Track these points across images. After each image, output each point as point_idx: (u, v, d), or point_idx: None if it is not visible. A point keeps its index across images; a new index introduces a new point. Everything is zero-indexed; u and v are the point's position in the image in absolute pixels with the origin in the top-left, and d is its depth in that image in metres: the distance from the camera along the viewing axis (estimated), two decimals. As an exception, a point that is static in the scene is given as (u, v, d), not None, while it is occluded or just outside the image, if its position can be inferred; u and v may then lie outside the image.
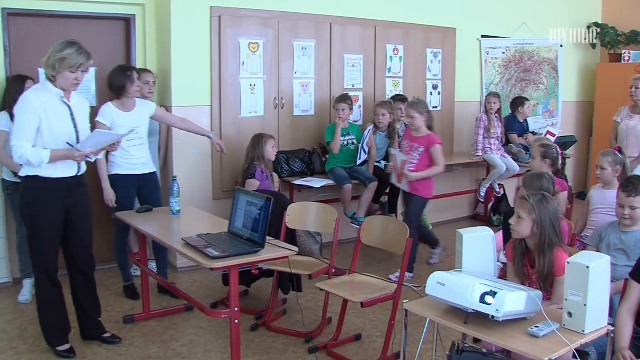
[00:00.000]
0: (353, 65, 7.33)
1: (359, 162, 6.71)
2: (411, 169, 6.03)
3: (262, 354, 4.61)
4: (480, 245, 3.38)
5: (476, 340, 3.52)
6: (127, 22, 6.33)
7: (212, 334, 4.92)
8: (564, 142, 8.67)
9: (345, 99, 6.73)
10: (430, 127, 6.11)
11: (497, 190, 8.30)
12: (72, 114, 4.29)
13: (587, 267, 2.81)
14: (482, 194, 8.35)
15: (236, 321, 3.95)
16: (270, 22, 6.67)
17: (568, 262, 2.92)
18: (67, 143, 4.22)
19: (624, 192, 4.11)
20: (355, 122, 7.20)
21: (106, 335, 4.73)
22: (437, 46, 8.15)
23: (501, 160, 7.97)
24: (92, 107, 5.82)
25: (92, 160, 4.50)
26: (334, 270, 4.98)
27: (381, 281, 4.60)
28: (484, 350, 3.30)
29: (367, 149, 6.73)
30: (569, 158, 8.95)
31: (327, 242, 6.05)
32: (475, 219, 8.61)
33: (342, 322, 4.84)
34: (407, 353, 3.52)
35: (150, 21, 6.38)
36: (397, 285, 4.39)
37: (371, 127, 6.81)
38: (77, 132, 4.31)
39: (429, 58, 8.07)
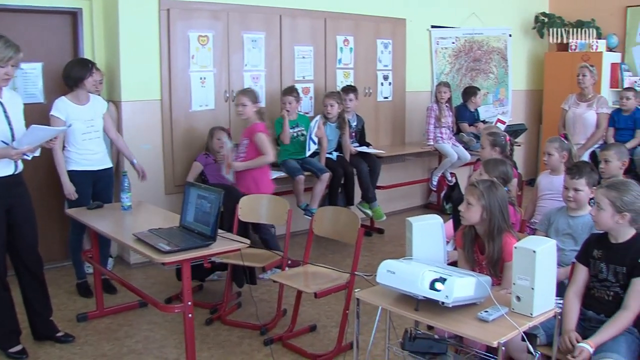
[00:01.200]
0: (303, 57, 7.32)
1: (307, 153, 6.70)
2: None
3: (217, 347, 4.60)
4: (429, 232, 3.41)
5: (430, 327, 3.55)
6: (73, 16, 6.21)
7: (167, 330, 4.89)
8: (514, 130, 8.78)
9: (291, 91, 6.72)
10: (261, 118, 5.89)
11: (449, 178, 8.39)
12: (4, 111, 4.20)
13: (534, 252, 2.86)
14: (434, 183, 8.43)
15: (190, 315, 3.93)
16: (220, 14, 6.63)
17: (515, 247, 2.97)
18: (2, 141, 4.13)
19: (568, 174, 4.20)
20: (306, 113, 7.20)
21: (59, 334, 4.66)
22: (388, 37, 8.18)
23: (452, 149, 8.06)
24: (40, 104, 5.81)
25: (29, 158, 4.35)
26: (289, 262, 5.00)
27: (334, 271, 4.62)
28: (436, 336, 3.34)
29: (315, 140, 6.72)
30: (519, 146, 9.06)
31: (281, 234, 6.05)
32: (428, 208, 8.69)
33: (297, 314, 4.85)
34: (361, 342, 3.55)
35: (98, 15, 6.27)
36: (349, 275, 4.41)
37: (318, 118, 6.81)
38: (11, 129, 4.21)
39: (379, 49, 8.10)
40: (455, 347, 3.50)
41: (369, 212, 7.34)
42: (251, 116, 5.80)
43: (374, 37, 8.03)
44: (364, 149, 7.38)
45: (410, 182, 8.52)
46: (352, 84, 7.61)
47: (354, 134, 7.43)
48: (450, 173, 8.37)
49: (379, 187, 7.60)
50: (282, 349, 4.59)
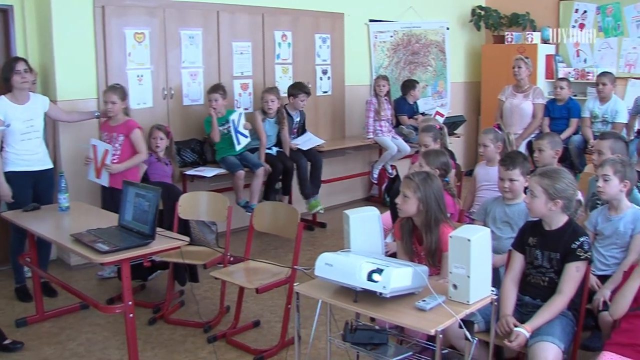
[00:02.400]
0: (241, 53, 7.29)
1: (237, 147, 6.64)
2: (115, 160, 5.59)
3: (160, 347, 4.57)
4: (366, 224, 3.44)
5: (373, 319, 3.58)
6: (4, 13, 6.06)
7: (110, 331, 4.83)
8: (453, 122, 8.91)
9: (216, 89, 6.67)
10: (127, 114, 5.84)
11: (390, 171, 8.46)
12: None
13: (469, 240, 2.91)
14: (375, 176, 8.50)
15: (130, 315, 3.90)
16: (156, 11, 6.56)
17: (450, 236, 3.01)
18: None
19: (502, 165, 4.29)
20: (246, 109, 7.16)
21: (7, 342, 4.53)
22: (326, 31, 8.20)
23: (392, 141, 8.13)
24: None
25: None
26: (232, 259, 4.99)
27: (275, 266, 4.63)
28: (377, 327, 3.37)
29: (246, 133, 6.68)
30: (458, 137, 9.20)
31: (223, 231, 6.03)
32: (370, 201, 8.73)
33: (240, 310, 4.85)
34: (304, 335, 3.57)
35: (30, 12, 6.13)
36: (290, 270, 4.42)
37: (240, 110, 6.81)
38: None
39: (318, 43, 8.11)
40: (398, 338, 3.55)
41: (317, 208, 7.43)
42: (120, 113, 5.72)
43: (312, 32, 8.04)
44: (308, 141, 7.42)
45: (351, 175, 8.57)
46: (307, 85, 7.63)
47: (295, 129, 7.46)
48: (391, 166, 8.44)
49: (321, 182, 7.62)
50: (226, 345, 4.59)
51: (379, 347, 3.22)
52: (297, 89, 7.31)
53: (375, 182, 8.63)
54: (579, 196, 3.79)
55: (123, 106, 5.73)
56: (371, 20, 8.87)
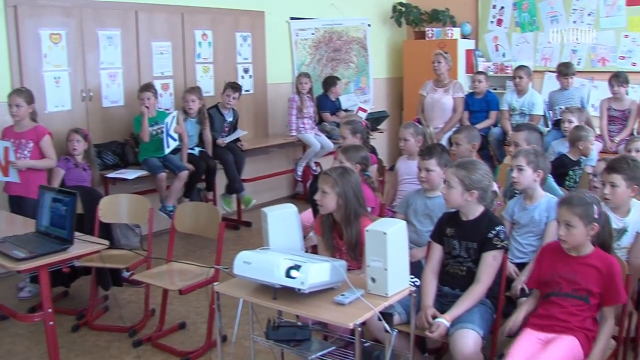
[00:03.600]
0: (161, 53, 7.20)
1: (167, 150, 6.57)
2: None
3: (85, 354, 4.48)
4: (284, 221, 3.45)
5: (298, 315, 3.59)
6: None
7: (31, 340, 4.69)
8: (376, 118, 9.00)
9: (148, 87, 6.60)
10: (34, 120, 5.65)
11: (314, 168, 8.48)
12: None
13: (384, 233, 2.95)
14: (299, 173, 8.51)
15: (50, 323, 3.82)
16: (72, 11, 6.41)
17: (367, 230, 3.05)
18: None
19: (420, 156, 4.38)
20: (167, 110, 7.08)
21: None
22: (246, 30, 8.16)
23: (315, 138, 8.16)
24: None
25: None
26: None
27: (198, 267, 4.59)
28: (300, 324, 3.38)
29: (175, 136, 6.61)
30: (381, 132, 9.29)
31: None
32: (295, 198, 8.74)
33: (165, 312, 4.80)
34: (230, 335, 3.55)
35: (-63, 14, 5.95)
36: (213, 270, 4.39)
37: (175, 112, 6.72)
38: None
39: (239, 42, 8.07)
40: (322, 333, 3.57)
41: (228, 208, 7.42)
42: (26, 118, 5.52)
43: (232, 31, 8.00)
44: (233, 136, 7.41)
45: (275, 173, 8.55)
46: (236, 82, 7.59)
47: (227, 128, 7.44)
48: (315, 162, 8.46)
49: (244, 180, 7.60)
50: (152, 349, 4.53)
51: (302, 343, 3.22)
52: (226, 85, 7.33)
53: (300, 179, 8.64)
54: (495, 187, 3.87)
55: (30, 110, 5.52)
56: (292, 18, 8.85)
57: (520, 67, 8.01)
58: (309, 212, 4.90)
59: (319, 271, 2.92)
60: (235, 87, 7.33)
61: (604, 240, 3.42)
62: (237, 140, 7.48)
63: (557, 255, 3.41)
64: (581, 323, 3.26)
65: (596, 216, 3.28)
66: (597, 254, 3.33)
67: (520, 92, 7.86)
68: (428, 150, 4.37)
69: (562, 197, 3.45)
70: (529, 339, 3.29)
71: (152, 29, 7.10)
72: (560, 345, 3.18)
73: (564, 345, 3.18)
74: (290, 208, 3.52)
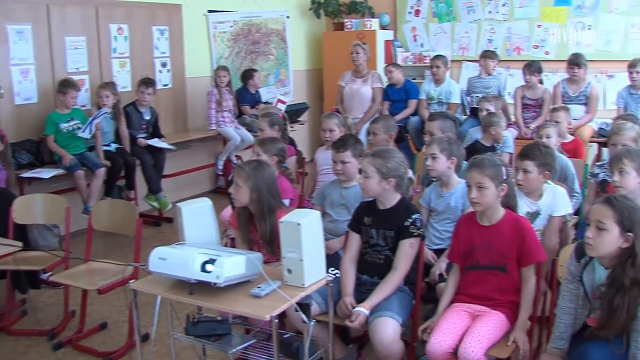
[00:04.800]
0: (76, 48, 7.03)
1: (81, 134, 6.45)
2: None
3: (1, 360, 4.37)
4: (200, 215, 3.43)
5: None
6: None
7: (-54, 350, 4.57)
8: (297, 110, 9.01)
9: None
10: None
11: (235, 161, 8.41)
12: None
13: (298, 224, 2.96)
14: (220, 167, 8.43)
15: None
16: (-22, 6, 6.22)
17: (281, 222, 3.06)
18: None
19: (334, 149, 4.37)
20: (82, 106, 6.93)
21: None
22: (163, 23, 8.04)
23: (235, 132, 8.12)
24: None
25: None
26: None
27: (117, 265, 4.50)
28: (219, 318, 3.37)
29: (93, 129, 6.48)
30: (302, 124, 9.30)
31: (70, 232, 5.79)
32: (218, 192, 8.67)
33: (85, 313, 4.69)
34: (151, 333, 3.51)
35: None
36: (132, 267, 4.33)
37: (106, 110, 6.63)
38: None
39: (156, 36, 7.94)
40: (244, 327, 3.56)
41: (155, 204, 7.29)
42: None
43: (149, 25, 7.87)
44: (154, 141, 7.26)
45: (196, 168, 8.45)
46: (150, 77, 7.47)
47: (144, 126, 7.30)
48: (236, 156, 8.40)
49: (165, 176, 7.54)
50: (73, 351, 4.44)
51: (223, 337, 3.23)
52: (139, 82, 7.20)
53: (221, 173, 8.57)
54: (410, 174, 3.92)
55: None
56: (210, 11, 8.75)
57: (438, 56, 8.16)
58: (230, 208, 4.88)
59: (234, 264, 2.92)
60: (147, 82, 7.21)
61: (509, 202, 3.53)
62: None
63: (472, 227, 3.51)
64: (504, 297, 3.39)
65: (505, 177, 3.40)
66: (508, 218, 3.45)
67: (437, 81, 8.00)
68: (342, 143, 4.37)
69: (472, 161, 3.51)
70: (457, 311, 3.39)
71: (65, 23, 6.91)
72: (484, 319, 3.28)
73: (487, 319, 3.28)
74: (205, 202, 3.50)
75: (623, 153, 3.93)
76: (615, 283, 2.89)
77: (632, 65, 7.31)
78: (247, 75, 8.53)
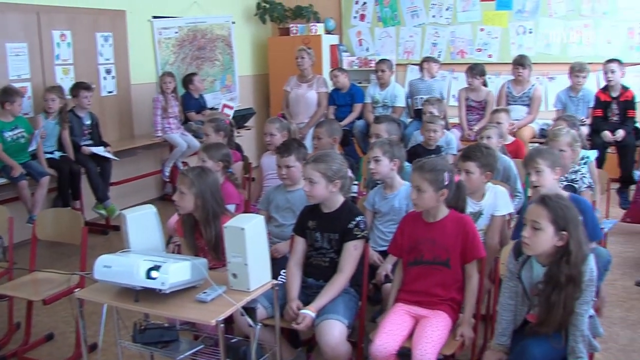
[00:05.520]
0: (17, 55, 6.92)
1: (30, 148, 6.39)
2: None
3: (-58, 378, 4.29)
4: (144, 222, 3.42)
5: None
6: None
7: None
8: (243, 115, 9.00)
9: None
10: None
11: (182, 168, 8.40)
12: None
13: (242, 229, 2.98)
14: (167, 174, 8.37)
15: None
16: None
17: (225, 227, 3.07)
18: None
19: (278, 153, 4.40)
20: (26, 114, 6.82)
21: None
22: (107, 29, 7.95)
23: (181, 138, 8.08)
24: None
25: None
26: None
27: (62, 275, 4.45)
28: (167, 325, 3.37)
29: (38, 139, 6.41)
30: (249, 129, 9.29)
31: (17, 242, 5.65)
32: (164, 199, 8.62)
33: (30, 325, 4.61)
34: (95, 342, 3.48)
35: None
36: (77, 276, 4.28)
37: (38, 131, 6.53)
38: None
39: (100, 42, 7.85)
40: (193, 333, 3.56)
41: (104, 212, 7.21)
42: None
43: (92, 31, 7.77)
44: (99, 150, 7.17)
45: (143, 175, 8.39)
46: (86, 81, 7.31)
47: (86, 131, 7.21)
48: (183, 162, 8.36)
49: (112, 184, 7.47)
50: (19, 364, 4.37)
51: (170, 344, 3.23)
52: (76, 87, 7.11)
53: (168, 180, 8.50)
54: (350, 173, 3.97)
55: None
56: (154, 17, 8.70)
57: (383, 60, 8.25)
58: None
59: (179, 270, 2.93)
60: (84, 86, 7.11)
61: (458, 204, 3.61)
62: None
63: (417, 223, 3.59)
64: (446, 294, 3.46)
65: (446, 182, 3.47)
66: (452, 216, 3.54)
67: (382, 85, 8.10)
68: (285, 148, 4.40)
69: (416, 163, 3.59)
70: (399, 312, 3.45)
71: (5, 30, 6.78)
72: (431, 323, 3.33)
73: (434, 323, 3.34)
74: (149, 209, 3.50)
75: (535, 153, 4.06)
76: (552, 280, 2.98)
77: (577, 69, 7.47)
78: (187, 80, 8.48)
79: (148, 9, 8.58)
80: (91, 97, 7.15)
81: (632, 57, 8.64)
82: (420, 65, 8.41)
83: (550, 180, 3.97)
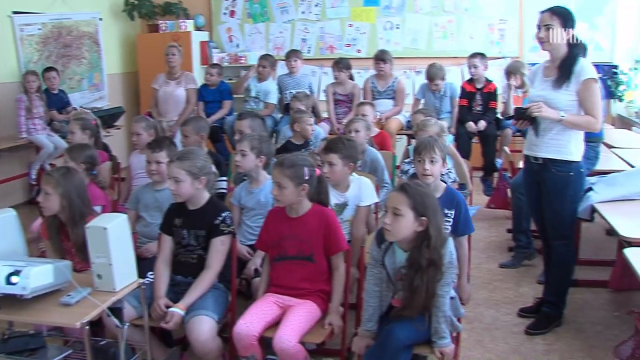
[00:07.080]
0: None
1: None
2: None
3: None
4: (4, 227, 3.32)
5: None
6: None
7: None
8: (112, 114, 8.83)
9: None
10: None
11: (49, 169, 8.15)
12: None
13: (105, 229, 2.96)
14: (34, 177, 8.08)
15: None
16: None
17: (87, 227, 3.04)
18: None
19: (149, 149, 4.39)
20: None
21: None
22: (-37, 26, 7.64)
23: (48, 139, 7.82)
24: None
25: None
26: None
27: None
28: (32, 332, 3.29)
29: None
30: (119, 129, 9.12)
31: None
32: (32, 203, 8.28)
33: None
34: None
35: None
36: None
37: None
38: None
39: (-45, 40, 7.53)
40: (62, 338, 3.50)
41: None
42: None
43: (-55, 28, 7.43)
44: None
45: (8, 178, 8.05)
46: None
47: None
48: (50, 164, 8.10)
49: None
50: None
51: (37, 351, 3.16)
52: None
53: (35, 183, 8.21)
54: (213, 168, 3.98)
55: None
56: (15, 13, 8.35)
57: (264, 56, 8.41)
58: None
59: (40, 274, 2.87)
60: None
61: (321, 198, 3.70)
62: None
63: (281, 218, 3.67)
64: (313, 287, 3.57)
65: (306, 177, 3.55)
66: (314, 210, 3.63)
67: (261, 79, 8.17)
68: (157, 143, 4.40)
69: (276, 160, 3.68)
70: (267, 300, 3.54)
71: None
72: (300, 309, 3.43)
73: (302, 310, 3.44)
74: (9, 212, 3.40)
75: (433, 142, 4.07)
76: (414, 265, 3.13)
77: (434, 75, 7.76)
78: (43, 77, 8.13)
79: (7, 3, 8.18)
80: None
81: (492, 52, 9.05)
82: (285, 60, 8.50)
83: (439, 171, 4.06)
